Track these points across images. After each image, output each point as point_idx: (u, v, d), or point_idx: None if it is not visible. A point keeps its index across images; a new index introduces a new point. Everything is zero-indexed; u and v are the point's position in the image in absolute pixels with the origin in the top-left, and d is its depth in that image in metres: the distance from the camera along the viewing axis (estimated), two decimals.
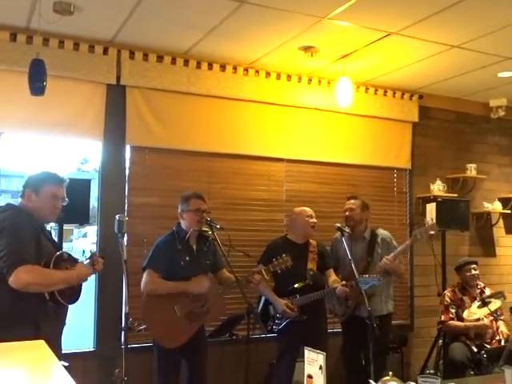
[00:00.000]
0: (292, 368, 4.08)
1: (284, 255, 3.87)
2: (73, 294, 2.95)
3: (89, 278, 3.07)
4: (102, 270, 3.16)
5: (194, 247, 3.80)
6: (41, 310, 2.75)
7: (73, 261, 3.00)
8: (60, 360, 2.69)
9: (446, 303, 4.85)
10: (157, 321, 3.61)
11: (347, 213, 4.46)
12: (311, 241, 4.32)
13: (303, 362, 4.12)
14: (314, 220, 4.26)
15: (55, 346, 2.82)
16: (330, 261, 4.37)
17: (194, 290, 3.64)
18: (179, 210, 3.82)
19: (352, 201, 4.48)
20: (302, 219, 4.26)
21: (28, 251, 2.71)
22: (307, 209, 4.32)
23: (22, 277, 2.61)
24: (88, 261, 3.07)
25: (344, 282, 4.07)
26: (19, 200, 3.00)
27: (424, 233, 4.32)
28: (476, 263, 4.97)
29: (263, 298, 4.24)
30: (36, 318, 2.72)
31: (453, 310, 4.79)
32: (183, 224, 3.80)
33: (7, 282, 2.63)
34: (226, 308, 3.85)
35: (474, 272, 4.89)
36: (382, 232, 4.52)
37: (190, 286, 3.64)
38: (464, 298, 4.85)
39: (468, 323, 4.68)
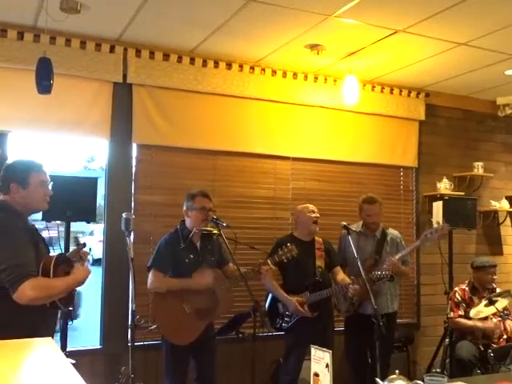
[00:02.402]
0: (299, 366, 4.09)
1: (289, 244, 3.89)
2: (69, 296, 2.85)
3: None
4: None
5: (198, 245, 3.81)
6: (41, 318, 2.66)
7: (69, 261, 2.88)
8: None
9: (456, 300, 4.82)
10: (167, 319, 3.62)
11: (373, 219, 4.41)
12: (317, 238, 4.31)
13: (309, 360, 4.13)
14: (317, 215, 4.23)
15: None
16: (336, 258, 4.36)
17: (198, 285, 3.64)
18: (184, 208, 3.83)
19: (374, 206, 4.43)
20: (304, 215, 4.24)
21: (29, 262, 2.56)
22: (309, 205, 4.32)
23: (26, 293, 2.48)
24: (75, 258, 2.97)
25: (353, 278, 4.05)
26: (4, 196, 2.75)
27: (434, 233, 4.31)
28: (495, 266, 4.93)
29: (270, 296, 4.23)
30: (37, 328, 2.58)
31: (462, 309, 4.78)
32: (188, 222, 3.81)
33: (8, 293, 2.50)
34: (233, 301, 3.84)
35: (494, 277, 4.85)
36: (392, 232, 4.53)
37: (194, 280, 3.64)
38: (474, 297, 4.81)
39: (477, 323, 4.66)
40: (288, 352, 4.13)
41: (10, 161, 2.90)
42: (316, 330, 3.95)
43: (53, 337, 2.89)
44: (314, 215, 4.22)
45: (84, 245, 3.06)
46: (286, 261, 3.87)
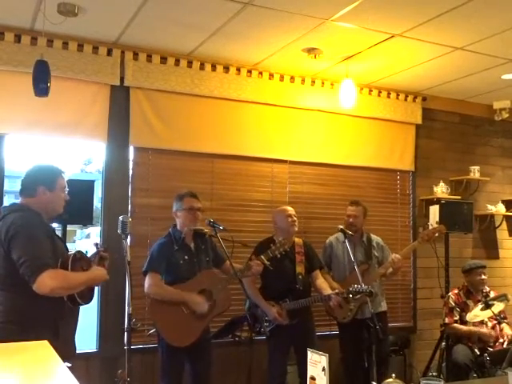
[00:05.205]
0: (284, 369, 4.11)
1: (281, 239, 3.91)
2: (89, 293, 2.93)
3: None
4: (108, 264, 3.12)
5: (192, 246, 3.81)
6: (59, 313, 2.74)
7: (87, 260, 2.98)
8: (74, 357, 2.73)
9: (450, 306, 4.83)
10: (166, 322, 3.60)
11: (351, 219, 4.46)
12: (297, 240, 4.30)
13: (293, 364, 4.12)
14: (294, 219, 4.21)
15: (70, 345, 2.86)
16: (316, 262, 4.35)
17: (193, 306, 3.62)
18: (174, 209, 3.85)
19: (355, 207, 4.49)
20: (282, 221, 4.23)
21: (47, 254, 2.64)
22: (287, 208, 4.31)
23: (46, 283, 2.55)
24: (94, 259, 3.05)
25: (336, 291, 4.06)
26: (26, 199, 2.85)
27: (431, 233, 4.40)
28: (485, 267, 4.95)
29: (248, 301, 4.17)
30: (55, 321, 2.70)
31: (457, 313, 4.78)
32: (178, 223, 3.83)
33: (27, 286, 2.56)
34: (230, 299, 3.82)
35: (483, 277, 4.87)
36: (375, 237, 4.61)
37: (191, 301, 3.62)
38: (468, 301, 4.82)
39: (472, 328, 4.67)
40: (271, 357, 4.12)
41: (34, 165, 2.96)
42: (296, 334, 3.99)
43: (74, 333, 2.94)
44: (291, 219, 4.20)
45: (104, 249, 3.13)
46: (279, 256, 3.87)
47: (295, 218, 4.23)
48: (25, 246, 2.61)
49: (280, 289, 4.10)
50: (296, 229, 4.23)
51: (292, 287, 4.10)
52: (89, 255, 3.07)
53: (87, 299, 2.92)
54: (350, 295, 3.89)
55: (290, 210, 4.27)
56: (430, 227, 4.86)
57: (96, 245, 3.16)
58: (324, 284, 4.22)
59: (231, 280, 3.76)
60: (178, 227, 3.82)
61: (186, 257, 3.74)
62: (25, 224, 2.68)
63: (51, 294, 2.59)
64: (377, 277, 4.37)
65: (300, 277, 4.15)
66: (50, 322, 2.67)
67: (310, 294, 4.18)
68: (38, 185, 2.85)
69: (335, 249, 4.53)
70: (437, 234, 4.58)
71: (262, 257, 3.83)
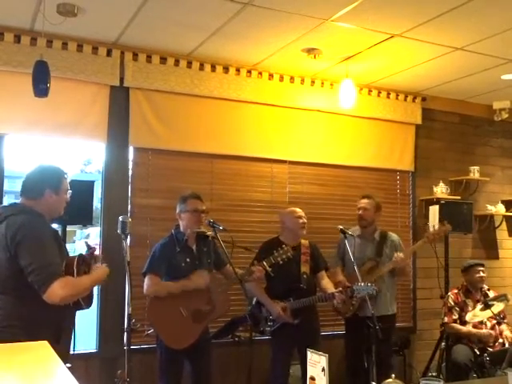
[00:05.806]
0: (287, 369, 4.11)
1: (284, 246, 3.90)
2: (88, 296, 2.91)
3: None
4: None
5: (194, 248, 3.80)
6: (61, 317, 2.72)
7: (87, 262, 2.97)
8: (69, 359, 2.72)
9: (449, 305, 4.84)
10: (164, 324, 3.60)
11: (361, 212, 4.44)
12: (303, 241, 4.28)
13: (297, 364, 4.12)
14: (304, 220, 4.20)
15: (68, 347, 2.87)
16: (321, 262, 4.35)
17: (194, 285, 3.63)
18: (177, 211, 3.84)
19: (367, 200, 4.46)
20: (291, 221, 4.21)
21: (55, 261, 2.61)
22: (296, 209, 4.28)
23: (56, 293, 2.52)
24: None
25: (340, 289, 4.07)
26: (29, 201, 2.77)
27: (437, 233, 4.38)
28: (483, 266, 4.96)
29: (255, 300, 4.18)
30: (58, 326, 2.69)
31: (456, 313, 4.79)
32: (181, 225, 3.81)
33: (30, 290, 2.54)
34: (229, 303, 3.83)
35: (482, 274, 4.88)
36: (392, 235, 4.56)
37: (190, 282, 3.63)
38: (467, 300, 4.84)
39: (472, 330, 4.67)
40: (274, 357, 4.11)
41: (38, 166, 2.90)
42: (300, 334, 3.98)
43: (71, 338, 2.94)
44: (301, 221, 4.18)
45: (95, 248, 3.13)
46: (281, 262, 3.86)
47: (305, 220, 4.21)
48: (34, 252, 2.57)
49: (284, 288, 4.09)
50: (305, 232, 4.21)
51: (296, 286, 4.09)
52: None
53: (89, 303, 2.92)
54: (354, 293, 3.88)
55: (300, 211, 4.24)
56: (431, 228, 4.81)
57: (87, 244, 3.15)
58: (329, 284, 4.23)
59: (231, 284, 3.76)
60: (181, 229, 3.80)
61: (188, 259, 3.73)
62: (32, 228, 2.63)
63: (61, 303, 2.58)
64: (383, 274, 4.35)
65: (305, 276, 4.15)
66: (52, 326, 2.65)
67: (314, 294, 4.17)
68: (44, 188, 2.79)
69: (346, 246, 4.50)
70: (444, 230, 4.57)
71: (264, 263, 3.82)
